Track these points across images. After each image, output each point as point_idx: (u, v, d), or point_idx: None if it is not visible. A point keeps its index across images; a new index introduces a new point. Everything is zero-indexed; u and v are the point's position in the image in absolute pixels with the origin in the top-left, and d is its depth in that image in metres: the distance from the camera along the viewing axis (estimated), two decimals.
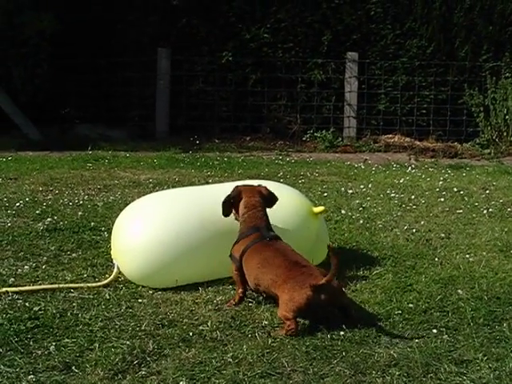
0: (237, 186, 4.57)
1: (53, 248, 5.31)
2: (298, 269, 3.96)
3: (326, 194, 7.56)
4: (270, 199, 4.53)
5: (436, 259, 5.24)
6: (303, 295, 3.80)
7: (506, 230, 6.14)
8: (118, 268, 4.60)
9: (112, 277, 4.56)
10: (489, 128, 11.67)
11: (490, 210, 6.90)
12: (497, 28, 12.21)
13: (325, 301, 3.81)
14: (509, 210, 6.94)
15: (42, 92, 11.52)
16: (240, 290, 4.31)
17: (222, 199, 4.47)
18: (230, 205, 4.48)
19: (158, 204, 4.82)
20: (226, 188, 5.18)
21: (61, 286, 4.44)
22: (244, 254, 4.25)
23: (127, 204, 5.19)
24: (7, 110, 11.34)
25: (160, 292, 4.43)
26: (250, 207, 4.42)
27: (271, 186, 5.09)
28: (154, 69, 11.95)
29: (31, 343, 3.64)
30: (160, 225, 4.59)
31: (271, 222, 4.47)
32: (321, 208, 4.97)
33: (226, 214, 4.48)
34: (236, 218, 4.52)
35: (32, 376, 3.27)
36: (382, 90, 12.20)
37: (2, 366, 3.36)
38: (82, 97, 11.92)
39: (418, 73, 12.15)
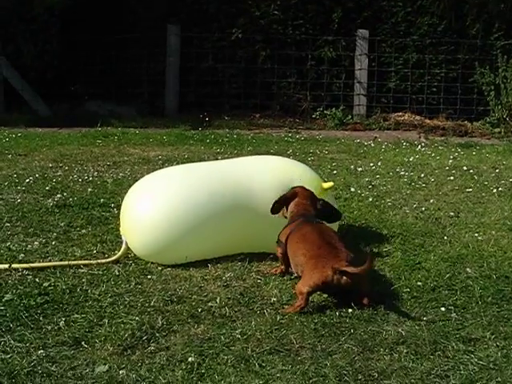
0: (293, 188, 4.59)
1: (62, 224, 5.32)
2: (327, 248, 3.98)
3: (335, 172, 7.55)
4: (327, 212, 4.54)
5: (445, 238, 5.24)
6: (322, 274, 3.82)
7: None
8: (127, 244, 4.61)
9: (121, 252, 4.58)
10: (499, 107, 11.61)
11: (500, 189, 6.88)
12: (508, 6, 12.11)
13: (345, 285, 3.82)
14: None
15: (51, 68, 11.52)
16: (282, 267, 4.38)
17: (276, 199, 4.52)
18: (281, 205, 4.52)
19: (167, 180, 4.83)
20: (234, 163, 5.20)
21: (70, 262, 4.46)
22: (289, 236, 4.27)
23: (136, 180, 5.20)
24: (17, 87, 11.34)
25: (169, 268, 4.45)
26: (299, 206, 4.46)
27: (279, 160, 5.16)
28: (164, 45, 11.92)
29: (41, 318, 3.67)
30: (168, 200, 4.60)
31: (275, 194, 4.57)
32: (330, 184, 4.97)
33: (275, 212, 4.51)
34: (284, 215, 4.55)
35: (42, 351, 3.30)
36: (392, 67, 12.14)
37: (12, 341, 3.39)
38: (91, 73, 11.91)
39: (428, 51, 12.08)
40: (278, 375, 3.16)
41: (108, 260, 4.53)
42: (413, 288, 4.20)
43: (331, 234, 4.17)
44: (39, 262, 4.50)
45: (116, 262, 4.53)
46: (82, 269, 4.40)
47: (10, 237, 5.01)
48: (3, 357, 3.23)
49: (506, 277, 4.43)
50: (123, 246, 4.62)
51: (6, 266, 4.34)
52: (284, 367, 3.23)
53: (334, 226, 4.73)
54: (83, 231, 5.20)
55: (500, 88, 11.64)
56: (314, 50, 12.07)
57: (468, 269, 4.54)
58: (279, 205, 4.50)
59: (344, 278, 3.79)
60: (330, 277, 3.80)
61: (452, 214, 5.95)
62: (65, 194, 6.19)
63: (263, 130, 11.03)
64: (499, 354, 3.40)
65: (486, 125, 11.63)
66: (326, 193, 4.89)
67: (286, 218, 4.51)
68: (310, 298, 3.92)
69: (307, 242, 4.11)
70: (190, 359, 3.25)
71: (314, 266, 3.89)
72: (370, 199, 6.35)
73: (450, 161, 8.46)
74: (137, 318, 3.68)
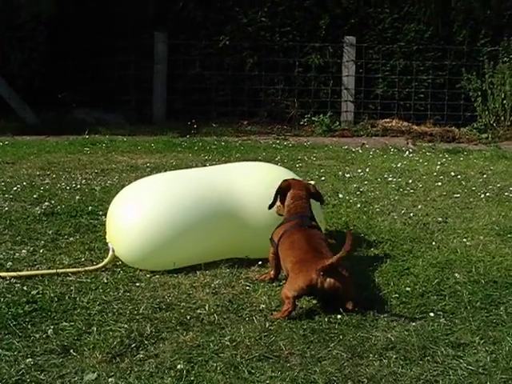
0: (285, 180, 4.61)
1: (50, 232, 5.31)
2: (312, 253, 4.01)
3: (323, 178, 7.56)
4: (317, 197, 4.63)
5: (433, 243, 5.25)
6: (306, 277, 3.84)
7: (503, 214, 6.14)
8: (114, 251, 4.60)
9: (107, 259, 4.57)
10: (486, 113, 11.65)
11: (488, 194, 6.90)
12: (495, 12, 12.16)
13: (328, 288, 3.83)
14: (506, 194, 6.94)
15: (38, 76, 11.47)
16: (272, 272, 4.39)
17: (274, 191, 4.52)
18: (276, 199, 4.52)
19: (153, 186, 4.83)
20: (220, 170, 5.23)
21: (58, 270, 4.45)
22: (281, 238, 4.28)
23: None
24: (4, 94, 11.29)
25: (158, 276, 4.44)
26: (296, 198, 4.47)
27: (265, 166, 5.19)
28: (151, 53, 11.91)
29: (29, 327, 3.66)
30: (155, 207, 4.60)
31: (261, 200, 4.55)
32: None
33: (271, 206, 4.51)
34: (277, 212, 4.55)
35: (30, 359, 3.29)
36: (379, 74, 12.15)
37: (0, 350, 3.38)
38: (78, 81, 11.87)
39: (415, 57, 12.10)
40: (267, 382, 3.16)
41: (95, 267, 4.52)
42: (401, 293, 4.20)
43: (319, 241, 4.18)
44: (27, 270, 4.49)
45: (104, 269, 4.52)
46: (70, 277, 4.39)
47: None
48: None
49: (495, 282, 4.44)
50: (110, 253, 4.61)
51: None
52: (273, 374, 3.23)
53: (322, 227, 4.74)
54: (71, 239, 5.19)
55: (487, 94, 11.68)
56: (301, 57, 12.07)
57: (456, 274, 4.56)
58: (274, 199, 4.51)
59: (328, 280, 3.80)
60: (315, 280, 3.82)
61: (440, 219, 5.96)
62: (52, 201, 6.17)
63: (251, 136, 11.01)
64: (488, 358, 3.41)
65: (473, 130, 11.64)
66: None
67: (280, 215, 4.52)
68: (299, 304, 3.93)
69: (295, 248, 4.13)
70: (178, 366, 3.25)
71: (298, 270, 3.93)
72: (358, 205, 6.36)
73: (438, 166, 8.48)
74: (125, 326, 3.67)
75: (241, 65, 12.09)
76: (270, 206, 4.51)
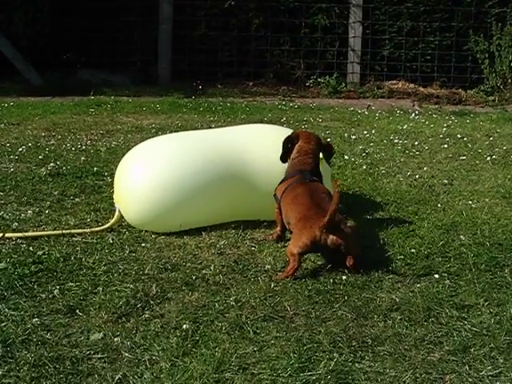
0: (295, 131, 4.63)
1: (56, 193, 5.32)
2: (315, 210, 4.02)
3: (329, 140, 7.52)
4: (328, 150, 4.63)
5: (439, 205, 5.25)
6: (310, 234, 3.87)
7: (509, 176, 6.13)
8: (120, 212, 4.61)
9: (113, 220, 4.58)
10: (493, 75, 11.56)
11: (494, 156, 6.88)
12: None
13: (331, 244, 3.85)
14: None
15: (43, 37, 11.40)
16: (278, 228, 4.42)
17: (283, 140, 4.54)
18: (287, 151, 4.53)
19: (161, 148, 4.82)
20: (227, 132, 5.21)
21: (64, 231, 4.46)
22: (284, 193, 4.31)
23: (130, 149, 5.18)
24: (8, 55, 11.23)
25: (163, 236, 4.45)
26: (301, 152, 4.48)
27: (272, 128, 5.17)
28: (157, 13, 11.82)
29: (35, 287, 3.68)
30: (162, 169, 4.59)
31: (269, 162, 4.59)
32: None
33: (284, 160, 4.54)
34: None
35: (36, 319, 3.31)
36: (386, 35, 12.05)
37: (6, 310, 3.40)
38: (83, 42, 11.81)
39: (422, 18, 11.97)
40: (272, 342, 3.18)
41: (101, 228, 4.53)
42: (406, 255, 4.21)
43: (322, 196, 4.18)
44: (33, 230, 4.50)
45: (110, 230, 4.53)
46: (75, 237, 4.40)
47: (4, 206, 5.01)
48: None
49: (500, 244, 4.44)
50: (116, 213, 4.62)
51: (0, 234, 4.34)
52: (278, 334, 3.25)
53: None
54: (77, 200, 5.20)
55: (494, 56, 11.57)
56: (307, 18, 11.97)
57: (461, 236, 4.56)
58: (285, 150, 4.52)
59: (331, 237, 3.82)
60: (318, 236, 3.84)
61: (446, 181, 5.95)
62: (58, 162, 6.18)
63: (257, 98, 10.96)
64: (492, 320, 3.42)
65: (480, 93, 11.56)
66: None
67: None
68: (304, 266, 3.94)
69: (298, 204, 4.15)
70: (184, 326, 3.26)
71: (302, 227, 3.96)
72: (364, 167, 6.35)
73: (444, 129, 8.44)
74: (131, 286, 3.69)
75: (247, 25, 11.99)
76: (281, 157, 4.52)
